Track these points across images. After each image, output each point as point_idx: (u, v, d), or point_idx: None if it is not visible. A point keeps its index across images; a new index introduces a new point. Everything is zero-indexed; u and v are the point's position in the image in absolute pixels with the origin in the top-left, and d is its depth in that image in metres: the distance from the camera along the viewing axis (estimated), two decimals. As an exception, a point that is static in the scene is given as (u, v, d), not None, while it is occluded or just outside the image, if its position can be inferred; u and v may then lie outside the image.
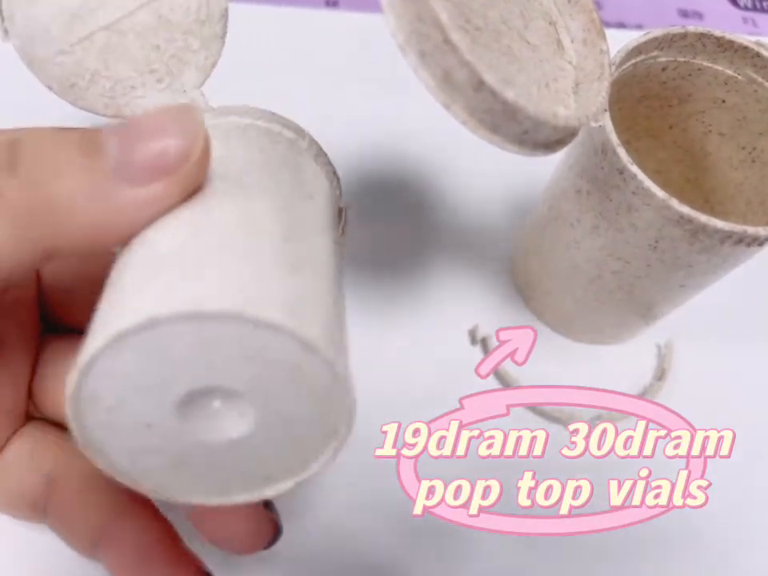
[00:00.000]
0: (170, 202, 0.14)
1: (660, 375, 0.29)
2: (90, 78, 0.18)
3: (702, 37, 0.23)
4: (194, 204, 0.14)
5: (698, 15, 0.45)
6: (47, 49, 0.18)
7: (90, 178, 0.13)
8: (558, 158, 0.25)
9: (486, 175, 0.34)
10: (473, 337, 0.30)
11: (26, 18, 0.18)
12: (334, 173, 0.19)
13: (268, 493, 0.15)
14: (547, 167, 0.27)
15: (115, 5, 0.18)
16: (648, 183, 0.19)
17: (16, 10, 0.18)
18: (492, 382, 0.29)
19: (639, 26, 0.45)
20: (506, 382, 0.29)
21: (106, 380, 0.13)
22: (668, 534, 0.27)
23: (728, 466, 0.28)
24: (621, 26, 0.44)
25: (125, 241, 0.14)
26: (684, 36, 0.23)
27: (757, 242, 0.19)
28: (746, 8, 0.45)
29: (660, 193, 0.19)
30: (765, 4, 0.45)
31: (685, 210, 0.19)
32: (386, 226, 0.32)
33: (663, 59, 0.23)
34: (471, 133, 0.16)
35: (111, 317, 0.12)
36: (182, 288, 0.12)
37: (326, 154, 0.19)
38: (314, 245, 0.15)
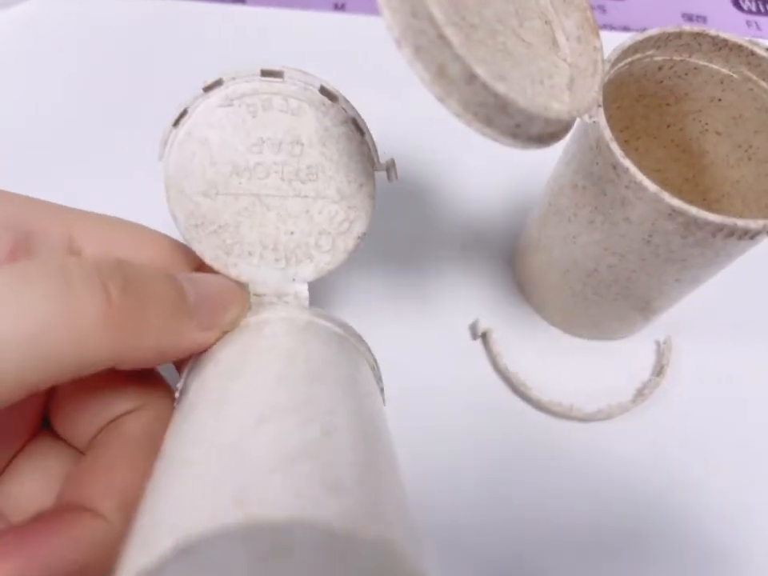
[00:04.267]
0: (212, 342, 0.18)
1: (659, 371, 0.29)
2: (217, 228, 0.19)
3: (697, 36, 0.23)
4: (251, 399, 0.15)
5: (702, 19, 0.45)
6: (194, 186, 0.19)
7: (176, 315, 0.16)
8: (557, 155, 0.26)
9: (488, 172, 0.34)
10: (473, 331, 0.30)
11: (192, 153, 0.19)
12: (375, 360, 0.21)
13: None
14: (547, 164, 0.27)
15: (275, 184, 0.19)
16: (640, 177, 0.20)
17: (189, 144, 0.19)
18: (493, 378, 0.29)
19: (644, 30, 0.45)
20: (506, 378, 0.29)
21: None
22: (666, 533, 0.27)
23: (727, 462, 0.28)
24: (625, 29, 0.44)
25: (165, 362, 0.17)
26: (679, 35, 0.23)
27: (748, 235, 0.20)
28: (749, 11, 0.45)
29: (652, 186, 0.19)
30: (769, 7, 0.45)
31: (676, 202, 0.19)
32: (389, 221, 0.33)
33: (659, 58, 0.24)
34: (466, 125, 0.17)
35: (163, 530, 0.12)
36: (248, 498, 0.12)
37: (365, 342, 0.20)
38: (384, 451, 0.15)
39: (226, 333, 0.18)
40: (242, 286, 0.20)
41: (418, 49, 0.16)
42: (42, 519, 0.15)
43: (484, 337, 0.30)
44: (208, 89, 0.19)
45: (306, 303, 0.20)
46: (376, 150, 0.20)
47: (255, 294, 0.20)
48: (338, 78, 0.37)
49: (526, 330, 0.31)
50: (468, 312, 0.31)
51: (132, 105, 0.36)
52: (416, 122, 0.34)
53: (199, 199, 0.19)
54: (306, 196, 0.20)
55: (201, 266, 0.20)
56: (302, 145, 0.19)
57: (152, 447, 0.16)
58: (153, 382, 0.19)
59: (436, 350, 0.30)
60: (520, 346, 0.30)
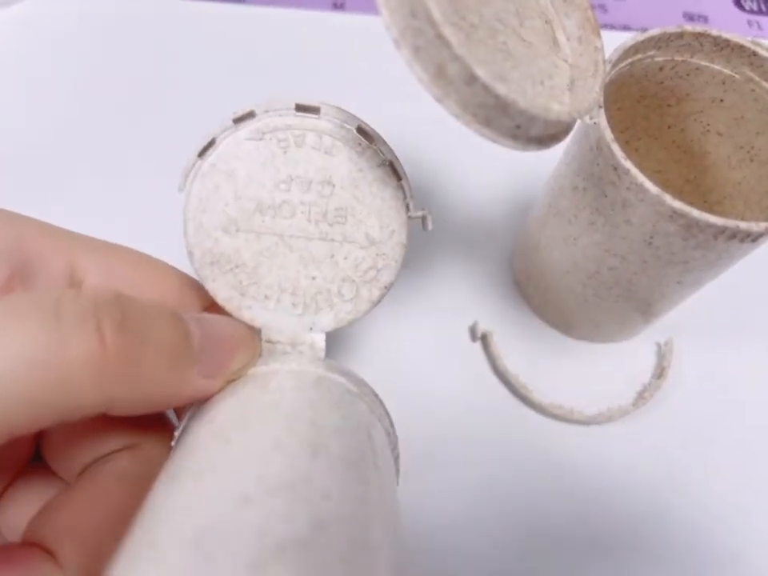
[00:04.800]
0: (215, 391, 0.17)
1: (659, 373, 0.29)
2: (234, 267, 0.18)
3: (699, 36, 0.23)
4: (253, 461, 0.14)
5: (704, 18, 0.45)
6: (214, 221, 0.18)
7: (178, 361, 0.15)
8: (557, 156, 0.26)
9: (487, 173, 0.34)
10: (473, 334, 0.30)
11: (216, 186, 0.18)
12: (391, 422, 0.19)
13: None
14: (547, 165, 0.27)
15: (301, 225, 0.18)
16: (641, 179, 0.19)
17: (213, 176, 0.18)
18: (492, 380, 0.29)
19: (644, 30, 0.44)
20: (506, 380, 0.29)
21: None
22: (667, 537, 0.27)
23: (728, 465, 0.28)
24: (626, 29, 0.44)
25: (162, 410, 0.16)
26: (681, 35, 0.23)
27: (750, 237, 0.19)
28: (751, 11, 0.45)
29: (653, 188, 0.19)
30: (770, 7, 0.45)
31: (677, 204, 0.19)
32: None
33: (660, 59, 0.24)
34: (464, 126, 0.17)
35: None
36: None
37: (382, 403, 0.19)
38: (385, 548, 0.14)
39: (231, 381, 0.17)
40: (253, 332, 0.18)
41: (417, 49, 0.16)
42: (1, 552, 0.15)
43: (484, 339, 0.30)
44: (238, 120, 0.18)
45: (322, 354, 0.19)
46: (412, 196, 0.19)
47: (268, 341, 0.19)
48: (336, 77, 0.37)
49: (526, 332, 0.31)
50: (467, 314, 0.31)
51: (131, 107, 0.36)
52: (415, 121, 0.34)
53: (218, 235, 0.18)
54: (332, 240, 0.18)
55: (212, 306, 0.19)
56: (333, 185, 0.18)
57: (136, 490, 0.15)
58: (151, 419, 0.18)
59: (435, 352, 0.30)
60: (520, 348, 0.30)
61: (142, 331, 0.14)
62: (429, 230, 0.19)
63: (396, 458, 0.19)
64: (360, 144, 0.18)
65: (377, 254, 0.19)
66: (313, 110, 0.18)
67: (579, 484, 0.27)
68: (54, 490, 0.17)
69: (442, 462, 0.27)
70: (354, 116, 0.18)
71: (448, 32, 0.15)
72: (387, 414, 0.19)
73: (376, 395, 0.19)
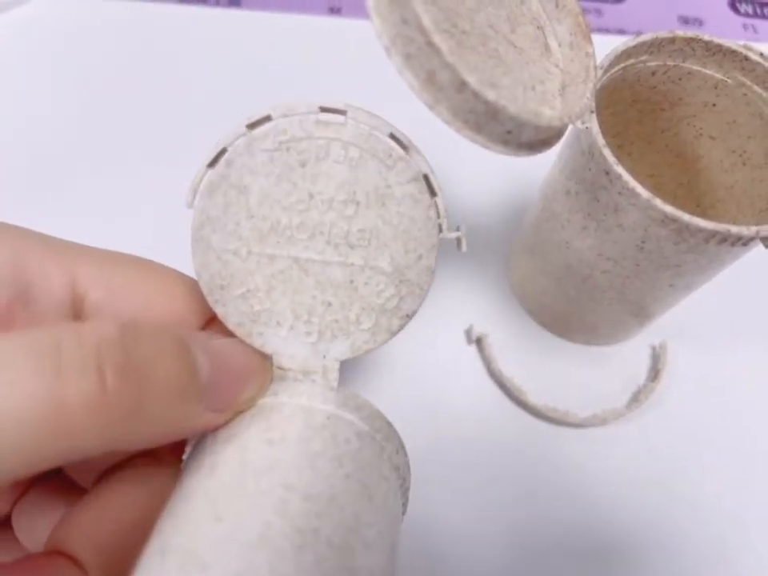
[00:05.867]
0: (223, 423, 0.16)
1: (654, 376, 0.29)
2: (245, 291, 0.17)
3: (690, 41, 0.23)
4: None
5: (699, 22, 0.45)
6: (224, 241, 0.16)
7: (184, 398, 0.14)
8: (551, 160, 0.26)
9: (482, 177, 0.34)
10: (468, 337, 0.30)
11: (227, 203, 0.16)
12: (405, 454, 0.18)
13: None
14: (542, 170, 0.27)
15: (319, 247, 0.17)
16: (633, 183, 0.19)
17: (224, 192, 0.16)
18: (487, 383, 0.29)
19: (639, 33, 0.44)
20: (501, 383, 0.29)
21: None
22: (661, 539, 0.27)
23: (722, 467, 0.28)
24: (621, 32, 0.44)
25: (167, 443, 0.15)
26: (673, 40, 0.23)
27: (741, 241, 0.20)
28: (746, 14, 0.45)
29: (644, 192, 0.19)
30: (765, 10, 0.45)
31: (668, 209, 0.19)
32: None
33: (653, 63, 0.24)
34: (456, 133, 0.17)
35: None
36: None
37: (395, 436, 0.18)
38: None
39: (240, 412, 0.16)
40: (265, 360, 0.17)
41: (408, 56, 0.16)
42: (24, 562, 0.15)
43: (479, 342, 0.30)
44: (253, 126, 0.16)
45: (335, 384, 0.17)
46: (446, 215, 0.17)
47: (279, 367, 0.17)
48: (331, 82, 0.37)
49: (521, 335, 0.31)
50: (463, 317, 0.31)
51: (131, 109, 0.36)
52: (411, 125, 0.34)
53: (228, 257, 0.17)
54: (352, 264, 0.17)
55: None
56: (358, 204, 0.17)
57: (152, 494, 0.15)
58: None
59: (431, 354, 0.30)
60: (515, 351, 0.30)
61: (146, 371, 0.13)
62: (463, 252, 0.18)
63: (405, 491, 0.18)
64: (391, 156, 0.17)
65: (400, 281, 0.17)
66: (338, 112, 0.16)
67: (573, 486, 0.28)
68: (72, 497, 0.17)
69: (436, 463, 0.27)
70: (385, 121, 0.17)
71: (438, 39, 0.15)
72: (401, 446, 0.18)
73: (390, 426, 0.17)
